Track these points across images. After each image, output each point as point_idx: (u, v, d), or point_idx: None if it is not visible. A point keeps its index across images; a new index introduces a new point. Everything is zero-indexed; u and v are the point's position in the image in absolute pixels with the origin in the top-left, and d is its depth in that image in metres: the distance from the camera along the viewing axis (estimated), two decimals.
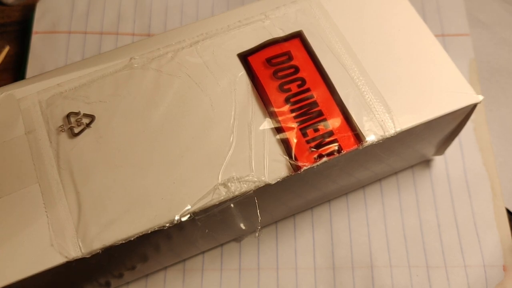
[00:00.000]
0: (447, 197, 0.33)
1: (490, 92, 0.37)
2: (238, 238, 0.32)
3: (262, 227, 0.32)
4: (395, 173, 0.34)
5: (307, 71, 0.26)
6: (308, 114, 0.25)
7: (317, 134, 0.25)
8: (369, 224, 0.32)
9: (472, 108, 0.26)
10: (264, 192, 0.24)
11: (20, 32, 0.39)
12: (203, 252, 0.31)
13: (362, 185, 0.33)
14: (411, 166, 0.34)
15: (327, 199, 0.33)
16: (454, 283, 0.31)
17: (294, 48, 0.27)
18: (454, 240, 0.32)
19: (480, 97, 0.26)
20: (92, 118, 0.25)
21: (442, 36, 0.38)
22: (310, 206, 0.33)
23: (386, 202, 0.33)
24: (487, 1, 0.41)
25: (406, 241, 0.32)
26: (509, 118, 0.36)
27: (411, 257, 0.32)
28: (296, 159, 0.24)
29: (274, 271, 0.31)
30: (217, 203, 0.23)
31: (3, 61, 0.37)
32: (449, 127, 0.28)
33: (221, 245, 0.32)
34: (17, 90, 0.26)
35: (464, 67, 0.37)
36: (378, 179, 0.33)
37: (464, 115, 0.27)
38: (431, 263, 0.31)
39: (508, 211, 0.33)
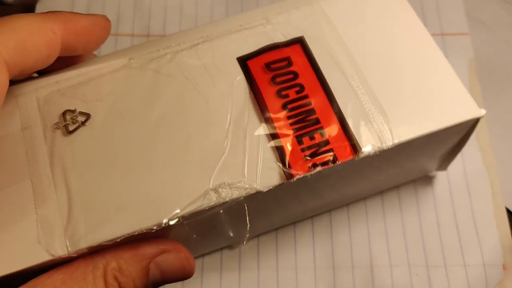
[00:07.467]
0: (447, 197, 0.33)
1: (489, 92, 0.37)
2: (230, 246, 0.31)
3: (261, 234, 0.32)
4: None
5: (306, 78, 0.25)
6: (305, 122, 0.24)
7: (312, 142, 0.24)
8: (368, 223, 0.32)
9: (474, 122, 0.25)
10: (255, 199, 0.24)
11: None
12: (203, 255, 0.32)
13: (362, 197, 0.33)
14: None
15: (328, 208, 0.32)
16: (453, 282, 0.31)
17: (294, 53, 0.26)
18: (454, 239, 0.32)
19: (483, 111, 0.25)
20: (87, 116, 0.25)
21: (441, 35, 0.38)
22: (309, 215, 0.32)
23: (386, 201, 0.33)
24: (486, 1, 0.40)
25: (405, 240, 0.32)
26: (508, 117, 0.36)
27: (410, 256, 0.31)
28: (289, 167, 0.23)
29: (273, 270, 0.31)
30: (206, 208, 0.23)
31: None
32: (450, 142, 0.27)
33: (221, 249, 0.32)
34: (15, 86, 0.26)
35: (464, 66, 0.37)
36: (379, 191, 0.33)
37: (466, 130, 0.26)
38: (431, 262, 0.31)
39: (508, 210, 0.33)
